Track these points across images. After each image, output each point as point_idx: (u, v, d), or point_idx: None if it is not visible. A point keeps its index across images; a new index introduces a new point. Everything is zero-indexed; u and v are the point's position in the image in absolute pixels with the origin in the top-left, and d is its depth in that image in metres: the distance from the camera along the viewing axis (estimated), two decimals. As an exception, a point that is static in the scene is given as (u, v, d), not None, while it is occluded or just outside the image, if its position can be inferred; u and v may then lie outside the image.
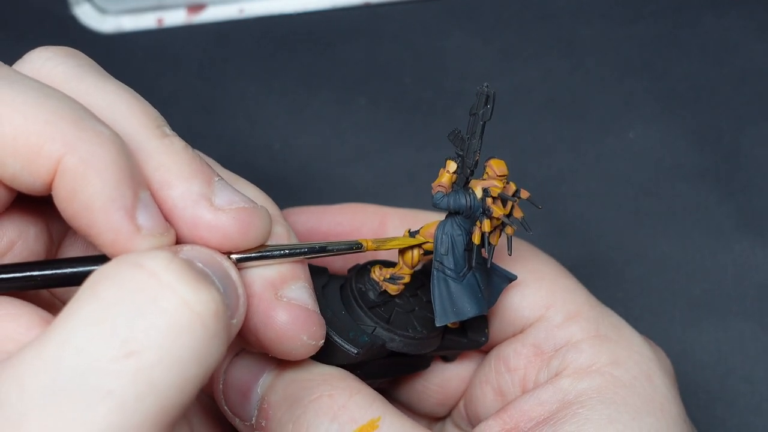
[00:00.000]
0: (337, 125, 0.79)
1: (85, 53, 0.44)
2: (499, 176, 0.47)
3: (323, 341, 0.44)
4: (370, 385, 0.47)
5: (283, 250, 0.43)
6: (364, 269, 0.51)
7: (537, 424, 0.47)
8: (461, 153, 0.46)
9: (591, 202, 0.74)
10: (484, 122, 0.45)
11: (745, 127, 0.77)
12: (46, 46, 0.43)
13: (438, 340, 0.51)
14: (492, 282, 0.50)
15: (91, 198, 0.38)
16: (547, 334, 0.51)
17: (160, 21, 0.84)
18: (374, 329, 0.49)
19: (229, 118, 0.80)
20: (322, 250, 0.45)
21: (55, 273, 0.40)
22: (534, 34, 0.83)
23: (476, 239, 0.47)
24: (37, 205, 0.43)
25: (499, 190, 0.46)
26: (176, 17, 0.84)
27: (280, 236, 0.44)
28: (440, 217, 0.48)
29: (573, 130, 0.78)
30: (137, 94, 0.42)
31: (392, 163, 0.77)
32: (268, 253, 0.43)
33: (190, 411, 0.49)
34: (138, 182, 0.39)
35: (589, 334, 0.50)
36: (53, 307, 0.44)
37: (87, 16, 0.84)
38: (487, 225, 0.47)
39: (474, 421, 0.54)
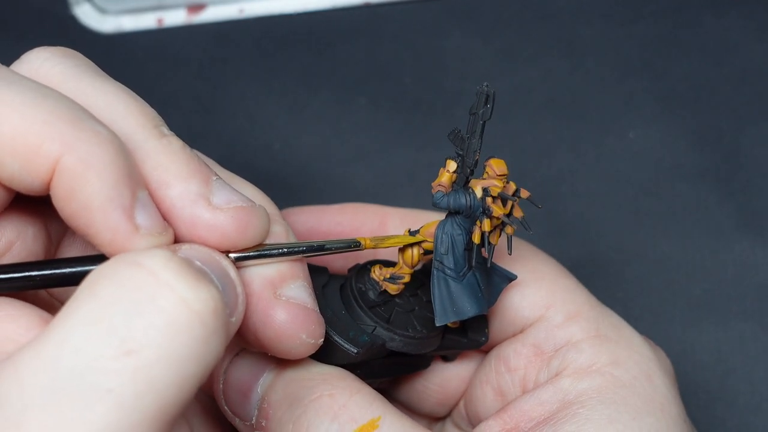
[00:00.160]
0: (337, 125, 0.79)
1: (85, 53, 0.44)
2: (499, 176, 0.47)
3: (322, 340, 0.44)
4: (370, 384, 0.46)
5: (282, 248, 0.43)
6: (364, 269, 0.51)
7: (537, 424, 0.47)
8: (461, 152, 0.46)
9: (591, 202, 0.74)
10: (484, 122, 0.45)
11: (745, 127, 0.77)
12: (43, 47, 0.43)
13: (438, 339, 0.51)
14: (492, 282, 0.50)
15: (90, 197, 0.38)
16: (547, 334, 0.51)
17: (160, 21, 0.84)
18: (374, 329, 0.49)
19: (229, 118, 0.80)
20: (321, 248, 0.45)
21: (54, 273, 0.40)
22: (534, 34, 0.83)
23: (476, 239, 0.47)
24: (35, 205, 0.43)
25: (499, 190, 0.46)
26: (176, 17, 0.84)
27: (279, 235, 0.44)
28: (440, 216, 0.48)
29: (573, 130, 0.78)
30: (135, 94, 0.42)
31: (392, 163, 0.77)
32: (266, 252, 0.43)
33: (190, 411, 0.49)
34: (136, 182, 0.39)
35: (589, 334, 0.50)
36: (52, 308, 0.44)
37: (87, 16, 0.84)
38: (487, 224, 0.47)
39: (474, 421, 0.54)
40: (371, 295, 0.50)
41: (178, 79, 0.82)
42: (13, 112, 0.38)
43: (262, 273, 0.43)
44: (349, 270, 0.51)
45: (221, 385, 0.48)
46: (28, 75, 0.41)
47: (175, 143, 0.41)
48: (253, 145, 0.78)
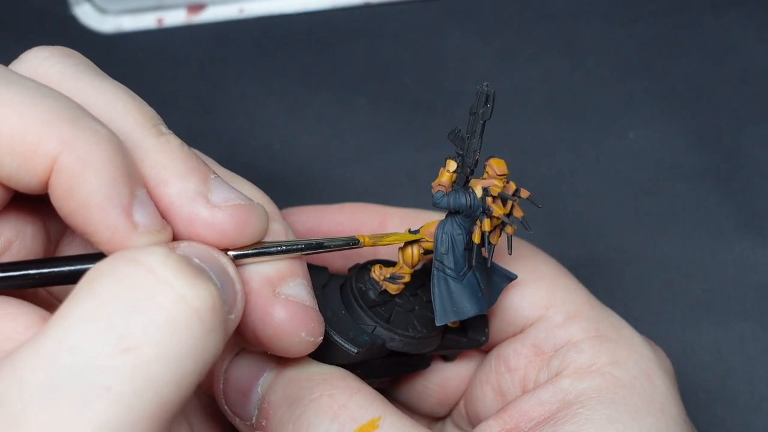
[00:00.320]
0: (337, 125, 0.79)
1: (84, 53, 0.44)
2: (499, 175, 0.47)
3: (322, 338, 0.44)
4: (370, 384, 0.46)
5: (280, 246, 0.43)
6: (364, 269, 0.51)
7: (537, 424, 0.47)
8: (461, 152, 0.46)
9: (591, 202, 0.74)
10: (484, 121, 0.45)
11: (745, 127, 0.77)
12: (42, 46, 0.43)
13: (438, 339, 0.51)
14: (492, 281, 0.50)
15: (88, 196, 0.38)
16: (547, 334, 0.51)
17: (160, 21, 0.84)
18: (374, 328, 0.49)
19: (229, 118, 0.80)
20: (319, 246, 0.45)
21: (53, 271, 0.40)
22: (534, 34, 0.83)
23: (476, 238, 0.47)
24: (34, 204, 0.43)
25: (499, 190, 0.46)
26: (176, 17, 0.84)
27: (278, 233, 0.44)
28: (440, 216, 0.48)
29: (573, 130, 0.78)
30: (133, 93, 0.42)
31: (392, 163, 0.77)
32: (265, 250, 0.43)
33: (190, 410, 0.49)
34: (134, 180, 0.39)
35: (589, 334, 0.50)
36: (51, 306, 0.44)
37: (87, 16, 0.84)
38: (487, 224, 0.47)
39: (474, 421, 0.54)
40: (371, 294, 0.50)
41: (178, 79, 0.82)
42: (11, 111, 0.38)
43: (260, 271, 0.43)
44: (350, 270, 0.51)
45: (221, 385, 0.48)
46: (27, 74, 0.41)
47: (173, 141, 0.41)
48: (253, 145, 0.78)
